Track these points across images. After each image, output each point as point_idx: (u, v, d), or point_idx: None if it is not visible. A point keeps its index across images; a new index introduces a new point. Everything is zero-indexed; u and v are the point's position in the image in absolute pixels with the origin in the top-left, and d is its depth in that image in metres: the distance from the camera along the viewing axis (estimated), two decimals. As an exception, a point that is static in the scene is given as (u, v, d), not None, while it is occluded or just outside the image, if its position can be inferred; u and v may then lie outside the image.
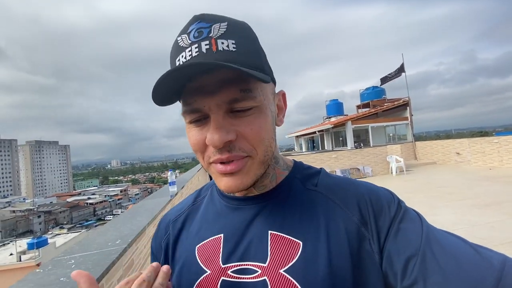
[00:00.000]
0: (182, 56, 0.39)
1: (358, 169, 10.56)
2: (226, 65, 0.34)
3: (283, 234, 0.42)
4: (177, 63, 0.39)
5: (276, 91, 0.48)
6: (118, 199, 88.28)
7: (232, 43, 0.38)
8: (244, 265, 0.42)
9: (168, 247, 0.52)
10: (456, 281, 0.33)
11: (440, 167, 11.56)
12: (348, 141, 15.55)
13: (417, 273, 0.35)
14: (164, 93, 0.38)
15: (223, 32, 0.38)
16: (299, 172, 0.49)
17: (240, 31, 0.40)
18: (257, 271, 0.41)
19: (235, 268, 0.43)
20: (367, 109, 19.04)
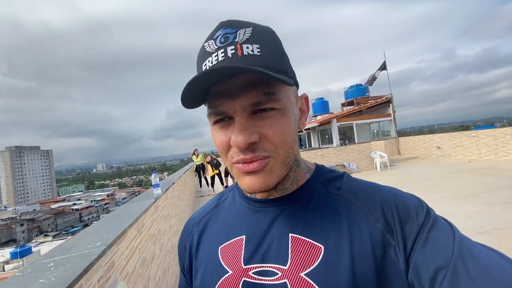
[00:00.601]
0: (209, 61, 0.40)
1: (344, 166, 10.78)
2: (250, 68, 0.36)
3: (304, 238, 0.42)
4: (204, 68, 0.41)
5: (299, 95, 0.49)
6: (105, 204, 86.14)
7: (257, 47, 0.39)
8: (265, 267, 0.43)
9: (192, 248, 0.54)
10: None
11: (422, 161, 11.96)
12: (334, 138, 15.83)
13: (446, 286, 0.33)
14: (192, 96, 0.40)
15: (248, 37, 0.39)
16: (321, 175, 0.49)
17: (265, 36, 0.41)
18: (277, 274, 0.41)
19: (256, 270, 0.43)
20: (352, 106, 19.41)
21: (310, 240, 0.42)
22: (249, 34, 0.40)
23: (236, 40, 0.39)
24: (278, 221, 0.45)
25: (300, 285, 0.39)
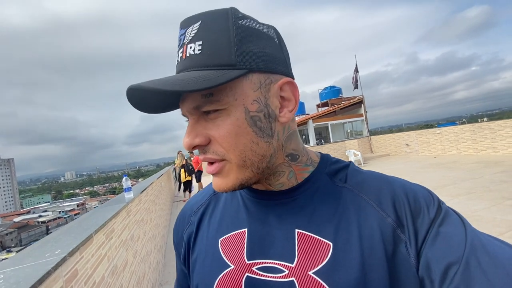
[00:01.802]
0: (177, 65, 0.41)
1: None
2: (156, 89, 0.33)
3: (311, 234, 0.40)
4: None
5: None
6: (75, 215, 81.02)
7: (199, 45, 0.37)
8: (270, 263, 0.41)
9: (190, 238, 0.51)
10: None
11: (393, 158, 12.57)
12: (311, 138, 16.18)
13: (458, 282, 0.32)
14: (155, 104, 0.41)
15: (193, 35, 0.38)
16: (326, 166, 0.46)
17: (211, 27, 0.37)
18: (284, 271, 0.39)
19: (261, 266, 0.41)
20: (326, 107, 20.00)
21: (317, 237, 0.40)
22: (195, 31, 0.38)
23: (184, 41, 0.38)
24: (283, 215, 0.43)
25: (308, 284, 0.37)
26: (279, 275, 0.39)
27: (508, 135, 8.77)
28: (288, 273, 0.39)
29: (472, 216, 3.97)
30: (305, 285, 0.37)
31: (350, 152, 11.17)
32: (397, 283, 0.36)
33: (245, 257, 0.42)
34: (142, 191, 3.32)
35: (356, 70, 16.62)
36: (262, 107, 0.39)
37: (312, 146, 13.93)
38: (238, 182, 0.40)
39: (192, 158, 9.26)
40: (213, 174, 0.41)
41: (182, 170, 8.87)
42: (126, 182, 2.76)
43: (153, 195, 4.57)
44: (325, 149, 11.51)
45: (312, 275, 0.38)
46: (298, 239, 0.40)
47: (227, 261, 0.43)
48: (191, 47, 0.37)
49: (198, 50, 0.37)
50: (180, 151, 9.44)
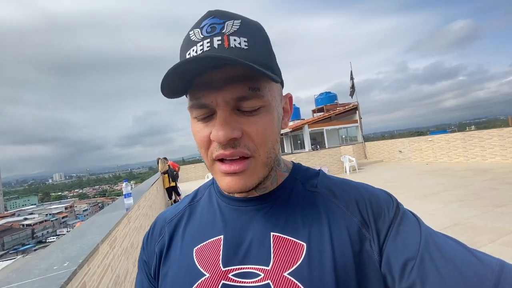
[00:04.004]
0: (193, 50, 0.38)
1: (316, 170, 11.09)
2: (237, 60, 0.34)
3: (286, 236, 0.41)
4: (187, 57, 0.38)
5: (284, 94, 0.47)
6: (63, 217, 78.94)
7: (245, 41, 0.37)
8: (246, 268, 0.41)
9: (163, 250, 0.49)
10: (454, 286, 0.33)
11: (386, 164, 12.74)
12: (306, 143, 16.29)
13: (414, 276, 0.35)
14: (173, 85, 0.37)
15: (236, 29, 0.38)
16: (299, 173, 0.49)
17: (253, 30, 0.39)
18: (259, 275, 0.40)
19: (237, 272, 0.41)
20: (322, 113, 20.20)
21: (292, 238, 0.41)
22: (237, 27, 0.38)
23: (223, 31, 0.37)
24: (258, 220, 0.44)
25: (284, 285, 0.38)
26: (255, 279, 0.39)
27: (495, 144, 9.02)
28: (264, 276, 0.39)
29: (466, 224, 4.05)
30: (281, 286, 0.38)
31: (345, 157, 11.27)
32: (364, 280, 0.38)
33: (221, 265, 0.42)
34: (140, 198, 3.28)
35: (352, 77, 16.87)
36: (281, 112, 0.44)
37: (308, 151, 14.01)
38: (258, 181, 0.41)
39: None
40: (234, 174, 0.39)
41: (165, 176, 8.42)
42: (126, 188, 2.71)
43: (150, 200, 4.52)
44: (321, 154, 11.60)
45: (287, 276, 0.38)
46: (274, 242, 0.41)
47: (202, 270, 0.42)
48: (235, 40, 0.37)
49: (245, 45, 0.37)
50: (160, 157, 8.85)
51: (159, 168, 8.67)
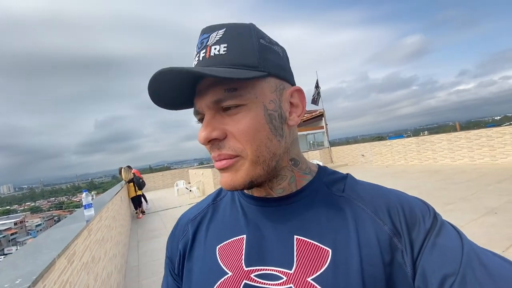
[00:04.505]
0: (193, 64, 0.43)
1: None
2: (179, 68, 0.35)
3: (310, 240, 0.40)
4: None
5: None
6: (12, 234, 70.59)
7: (224, 47, 0.40)
8: (268, 269, 0.40)
9: (186, 247, 0.50)
10: None
11: (351, 167, 13.44)
12: (276, 149, 16.64)
13: None
14: (174, 99, 0.42)
15: (219, 38, 0.41)
16: (324, 176, 0.47)
17: (235, 34, 0.41)
18: (282, 278, 0.39)
19: (259, 273, 0.41)
20: (291, 119, 20.72)
21: (316, 243, 0.40)
22: (220, 36, 0.41)
23: (207, 43, 0.41)
24: (282, 222, 0.43)
25: None
26: (277, 282, 0.39)
27: (444, 148, 10.02)
28: (287, 279, 0.39)
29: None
30: None
31: (313, 162, 11.68)
32: None
33: (243, 264, 0.42)
34: (102, 208, 3.09)
35: (317, 86, 17.63)
36: (277, 107, 0.42)
37: (277, 156, 14.33)
38: (248, 179, 0.40)
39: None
40: (222, 170, 0.41)
41: (131, 184, 8.00)
42: (86, 198, 2.55)
43: (114, 210, 4.27)
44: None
45: (311, 281, 0.37)
46: (297, 245, 0.41)
47: (224, 268, 0.43)
48: (215, 48, 0.40)
49: (224, 51, 0.40)
50: (123, 166, 8.41)
51: (123, 177, 8.21)
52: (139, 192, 8.19)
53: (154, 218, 7.75)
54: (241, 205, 0.49)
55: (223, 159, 0.40)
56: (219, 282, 0.42)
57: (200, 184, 11.26)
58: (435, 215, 0.40)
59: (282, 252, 0.41)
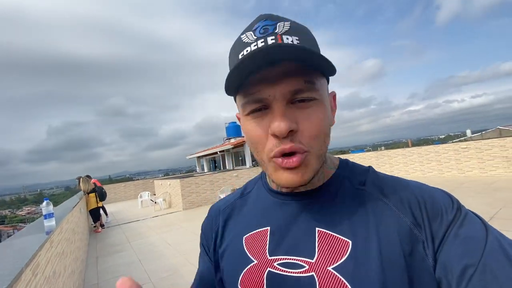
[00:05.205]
0: (247, 50, 0.39)
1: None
2: (307, 48, 0.35)
3: (331, 232, 0.41)
4: (241, 58, 0.39)
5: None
6: None
7: (296, 39, 0.38)
8: (291, 259, 0.42)
9: (218, 234, 0.54)
10: None
11: (318, 180, 14.05)
12: (247, 160, 16.64)
13: (475, 283, 0.32)
14: (232, 82, 0.39)
15: (287, 29, 0.39)
16: (346, 170, 0.48)
17: (303, 31, 0.41)
18: (304, 267, 0.41)
19: (282, 261, 0.43)
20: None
21: (337, 235, 0.41)
22: (288, 27, 0.39)
23: (276, 31, 0.39)
24: (304, 215, 0.45)
25: (328, 279, 0.38)
26: (299, 270, 0.41)
27: (400, 161, 10.97)
28: (308, 268, 0.40)
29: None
30: (325, 279, 0.39)
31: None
32: (415, 282, 0.36)
33: (267, 253, 0.45)
34: (63, 219, 2.86)
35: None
36: (329, 107, 0.44)
37: (248, 167, 14.35)
38: (313, 174, 0.41)
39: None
40: (293, 168, 0.39)
41: (92, 195, 7.42)
42: (47, 207, 2.36)
43: (73, 222, 3.95)
44: (260, 170, 12.04)
45: (332, 270, 0.39)
46: (319, 237, 0.42)
47: (250, 256, 0.46)
48: (287, 38, 0.38)
49: (297, 43, 0.38)
50: (81, 176, 7.78)
51: (82, 188, 7.59)
52: (100, 204, 7.62)
53: (115, 232, 7.24)
54: (267, 199, 0.51)
55: (295, 156, 0.38)
56: (246, 269, 0.46)
57: (166, 196, 10.83)
58: (459, 207, 0.40)
59: (304, 243, 0.43)
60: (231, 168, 17.21)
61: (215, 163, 21.68)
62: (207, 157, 21.90)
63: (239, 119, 0.49)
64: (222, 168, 19.19)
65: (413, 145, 14.55)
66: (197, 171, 23.72)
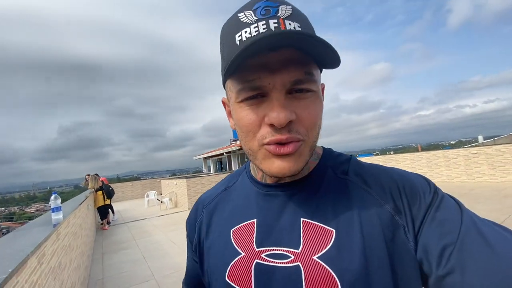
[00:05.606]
0: (246, 31, 0.37)
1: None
2: (318, 38, 0.34)
3: (315, 222, 0.42)
4: (238, 39, 0.37)
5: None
6: None
7: (298, 26, 0.37)
8: (277, 250, 0.43)
9: (202, 229, 0.55)
10: (498, 275, 0.32)
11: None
12: (233, 164, 16.66)
13: (453, 262, 0.34)
14: (232, 66, 0.37)
15: (289, 14, 0.37)
16: (330, 160, 0.49)
17: (304, 17, 0.40)
18: (290, 257, 0.41)
19: (269, 253, 0.43)
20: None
21: (321, 224, 0.42)
22: (290, 12, 0.38)
23: (278, 14, 0.37)
24: (289, 206, 0.45)
25: (313, 268, 0.39)
26: (285, 260, 0.42)
27: (408, 166, 10.80)
28: (294, 258, 0.41)
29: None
30: (310, 269, 0.39)
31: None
32: (398, 266, 0.38)
33: (254, 245, 0.45)
34: (71, 213, 2.94)
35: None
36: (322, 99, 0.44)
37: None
38: (305, 163, 0.41)
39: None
40: (284, 156, 0.39)
41: (99, 193, 7.58)
42: (55, 201, 2.43)
43: (81, 217, 4.04)
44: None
45: (317, 259, 0.40)
46: (303, 227, 0.43)
47: (238, 249, 0.47)
48: (290, 24, 0.36)
49: (299, 29, 0.37)
50: (90, 174, 7.94)
51: (90, 185, 7.75)
52: (107, 202, 7.76)
53: (121, 230, 7.35)
54: (252, 191, 0.51)
55: (290, 144, 0.38)
56: (233, 261, 0.46)
57: (173, 195, 10.93)
58: (436, 190, 0.41)
59: (290, 234, 0.43)
60: (237, 169, 17.24)
61: (221, 164, 21.77)
62: (214, 158, 22.02)
63: (225, 104, 0.49)
64: (228, 169, 19.24)
65: (423, 150, 14.31)
66: (204, 171, 23.84)
